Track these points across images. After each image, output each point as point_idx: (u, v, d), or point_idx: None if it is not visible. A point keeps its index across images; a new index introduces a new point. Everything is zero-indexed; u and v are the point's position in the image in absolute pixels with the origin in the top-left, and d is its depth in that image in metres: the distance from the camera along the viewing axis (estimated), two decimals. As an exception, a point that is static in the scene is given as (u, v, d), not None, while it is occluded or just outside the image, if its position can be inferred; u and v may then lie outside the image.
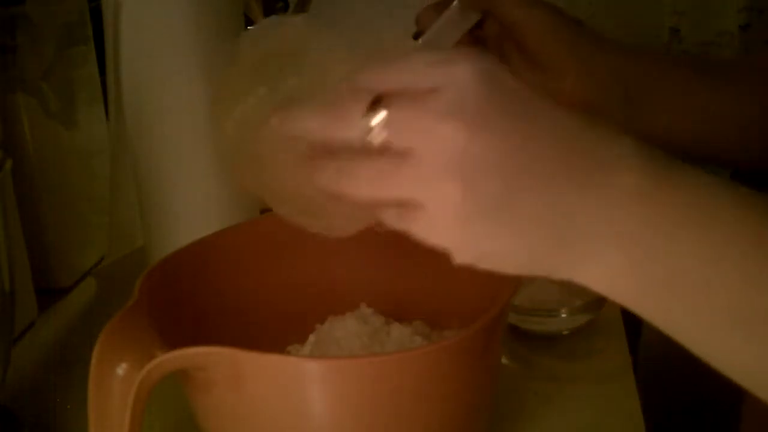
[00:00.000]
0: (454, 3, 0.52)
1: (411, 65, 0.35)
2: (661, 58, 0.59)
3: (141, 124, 0.66)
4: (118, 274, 0.76)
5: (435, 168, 0.34)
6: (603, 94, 0.55)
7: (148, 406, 0.38)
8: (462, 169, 0.33)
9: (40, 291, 0.70)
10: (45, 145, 0.71)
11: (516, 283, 0.44)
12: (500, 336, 0.45)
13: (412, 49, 0.47)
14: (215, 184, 0.66)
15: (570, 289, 0.64)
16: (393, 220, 0.37)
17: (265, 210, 0.62)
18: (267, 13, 1.26)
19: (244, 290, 0.53)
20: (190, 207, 0.66)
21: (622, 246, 0.35)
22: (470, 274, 0.52)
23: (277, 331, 0.53)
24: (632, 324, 0.67)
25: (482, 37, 0.58)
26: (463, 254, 0.37)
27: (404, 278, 0.55)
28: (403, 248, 0.55)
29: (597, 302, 0.63)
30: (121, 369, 0.38)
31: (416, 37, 0.61)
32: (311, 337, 0.53)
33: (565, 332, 0.63)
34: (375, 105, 0.34)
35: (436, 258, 0.54)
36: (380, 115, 0.34)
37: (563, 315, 0.62)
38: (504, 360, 0.59)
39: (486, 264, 0.37)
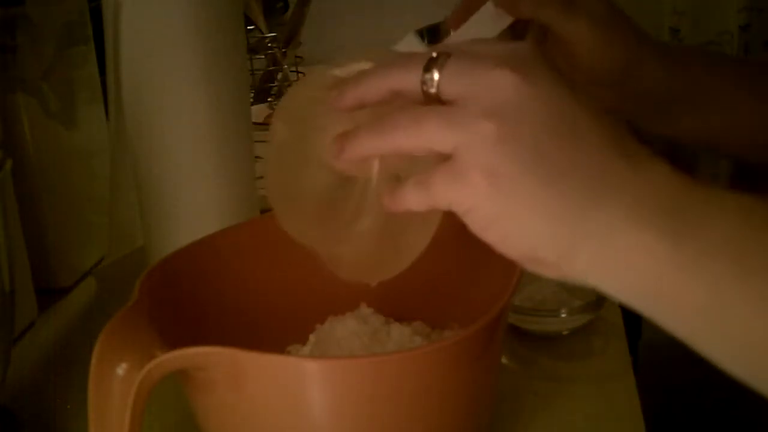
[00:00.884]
0: (486, 4, 0.51)
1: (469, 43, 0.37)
2: (709, 63, 0.58)
3: (141, 124, 0.66)
4: (118, 274, 0.76)
5: (477, 109, 0.34)
6: (642, 104, 0.56)
7: (148, 406, 0.38)
8: (503, 111, 0.34)
9: (40, 291, 0.70)
10: (45, 145, 0.71)
11: (516, 282, 0.44)
12: (500, 336, 0.45)
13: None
14: (215, 185, 0.66)
15: (570, 289, 0.65)
16: (420, 190, 0.37)
17: (265, 210, 0.62)
18: (267, 13, 1.26)
19: (244, 290, 0.53)
20: (190, 207, 0.66)
21: (653, 220, 0.34)
22: (470, 274, 0.53)
23: (277, 331, 0.53)
24: (632, 324, 0.67)
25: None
26: (487, 211, 0.35)
27: (404, 278, 0.55)
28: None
29: (597, 302, 0.63)
30: (121, 369, 0.38)
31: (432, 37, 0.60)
32: (311, 337, 0.53)
33: (565, 332, 0.63)
34: (433, 60, 0.36)
35: (436, 258, 0.54)
36: (437, 66, 0.35)
37: (563, 315, 0.62)
38: (504, 360, 0.59)
39: (507, 229, 0.36)
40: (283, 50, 1.27)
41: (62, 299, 0.73)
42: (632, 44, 0.54)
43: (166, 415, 0.52)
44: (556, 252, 0.35)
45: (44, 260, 0.72)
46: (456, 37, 0.51)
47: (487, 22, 0.51)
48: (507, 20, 0.51)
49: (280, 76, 1.27)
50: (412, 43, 0.50)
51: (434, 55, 0.36)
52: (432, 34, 1.37)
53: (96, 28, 0.73)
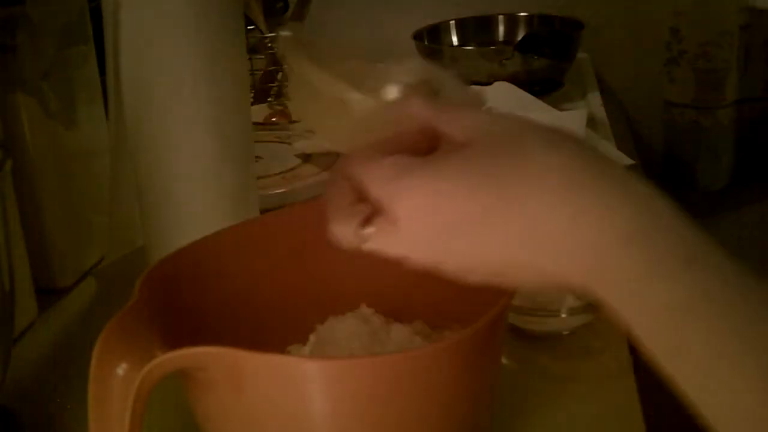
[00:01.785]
0: None
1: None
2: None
3: (141, 124, 0.66)
4: (118, 274, 0.76)
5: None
6: None
7: (148, 406, 0.38)
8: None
9: (40, 291, 0.70)
10: (45, 145, 0.71)
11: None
12: (500, 336, 0.45)
13: None
14: (215, 184, 0.66)
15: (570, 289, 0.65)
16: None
17: (265, 210, 0.62)
18: (267, 13, 1.26)
19: (244, 290, 0.53)
20: (190, 207, 0.66)
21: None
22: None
23: (277, 331, 0.53)
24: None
25: None
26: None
27: (404, 278, 0.55)
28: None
29: (597, 302, 0.63)
30: (121, 369, 0.38)
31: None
32: (311, 337, 0.53)
33: (565, 332, 0.63)
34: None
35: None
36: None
37: (563, 315, 0.62)
38: (504, 360, 0.59)
39: None
40: (283, 50, 1.27)
41: (62, 299, 0.73)
42: None
43: (166, 415, 0.52)
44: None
45: (44, 260, 0.72)
46: None
47: None
48: None
49: (280, 76, 1.27)
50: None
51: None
52: (432, 34, 1.37)
53: (96, 28, 0.73)
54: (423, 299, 0.54)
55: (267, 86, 1.27)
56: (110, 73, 0.68)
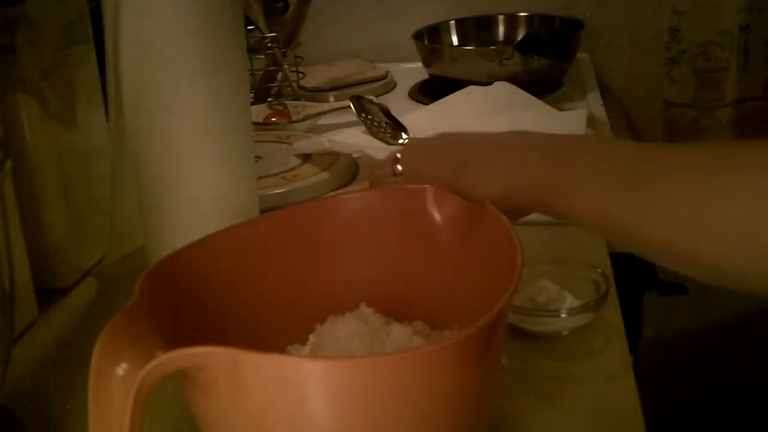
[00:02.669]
0: None
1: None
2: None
3: (141, 124, 0.66)
4: (118, 274, 0.76)
5: None
6: None
7: (148, 406, 0.38)
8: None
9: (40, 291, 0.70)
10: (45, 145, 0.71)
11: (516, 282, 0.44)
12: (500, 336, 0.45)
13: None
14: (215, 185, 0.66)
15: (570, 289, 0.65)
16: None
17: (265, 210, 0.62)
18: (267, 13, 1.26)
19: (243, 290, 0.53)
20: (190, 207, 0.66)
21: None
22: (470, 274, 0.53)
23: (277, 331, 0.53)
24: (632, 324, 0.67)
25: None
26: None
27: (404, 278, 0.55)
28: (403, 248, 0.56)
29: (597, 302, 0.63)
30: (121, 369, 0.38)
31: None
32: (311, 337, 0.53)
33: (565, 332, 0.63)
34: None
35: (436, 258, 0.54)
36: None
37: (563, 315, 0.62)
38: (504, 360, 0.59)
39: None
40: (283, 50, 1.27)
41: (62, 299, 0.73)
42: None
43: (166, 415, 0.53)
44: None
45: (44, 260, 0.72)
46: None
47: None
48: None
49: (280, 76, 1.27)
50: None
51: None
52: (432, 34, 1.38)
53: (96, 28, 0.73)
54: (423, 299, 0.54)
55: (267, 86, 1.27)
56: (110, 73, 0.68)
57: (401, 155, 0.63)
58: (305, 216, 0.55)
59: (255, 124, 0.90)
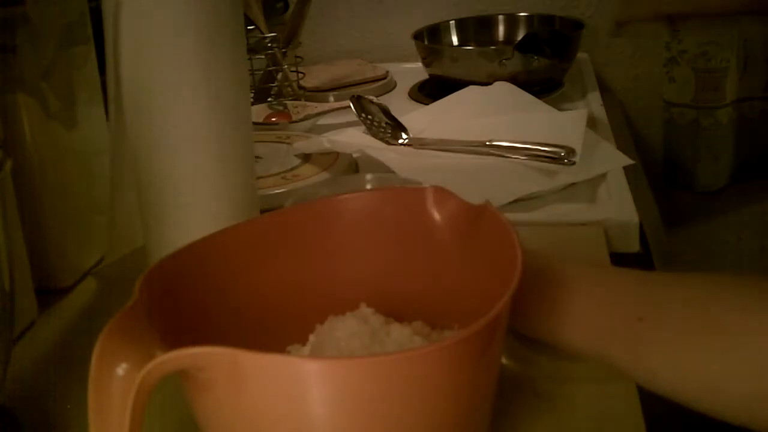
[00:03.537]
0: None
1: None
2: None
3: (141, 124, 0.66)
4: (118, 274, 0.76)
5: None
6: None
7: (148, 406, 0.38)
8: None
9: (40, 291, 0.70)
10: (45, 145, 0.71)
11: (516, 282, 0.44)
12: (500, 336, 0.45)
13: None
14: (215, 185, 0.66)
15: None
16: None
17: (265, 210, 0.62)
18: (267, 13, 1.26)
19: (244, 290, 0.53)
20: (190, 207, 0.66)
21: None
22: (470, 274, 0.53)
23: (277, 331, 0.53)
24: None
25: None
26: None
27: (404, 278, 0.56)
28: (403, 248, 0.56)
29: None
30: (121, 369, 0.38)
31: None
32: (311, 337, 0.53)
33: (565, 332, 0.63)
34: None
35: (436, 258, 0.54)
36: None
37: (563, 315, 0.62)
38: (504, 360, 0.59)
39: None
40: (283, 50, 1.27)
41: (62, 299, 0.73)
42: None
43: (166, 415, 0.53)
44: None
45: (44, 260, 0.72)
46: None
47: None
48: None
49: (280, 76, 1.27)
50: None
51: None
52: (432, 34, 1.38)
53: (96, 28, 0.73)
54: (423, 299, 0.54)
55: (267, 86, 1.27)
56: (110, 73, 0.68)
57: None
58: (305, 216, 0.55)
59: (255, 124, 0.90)
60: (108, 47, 0.67)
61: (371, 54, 1.44)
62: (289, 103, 1.20)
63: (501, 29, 1.38)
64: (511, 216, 0.51)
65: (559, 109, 1.08)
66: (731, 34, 1.32)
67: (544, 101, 1.10)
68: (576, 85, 1.25)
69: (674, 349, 0.49)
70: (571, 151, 0.90)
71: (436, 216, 0.54)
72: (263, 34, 1.25)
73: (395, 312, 0.54)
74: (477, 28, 1.38)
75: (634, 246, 0.80)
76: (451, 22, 1.37)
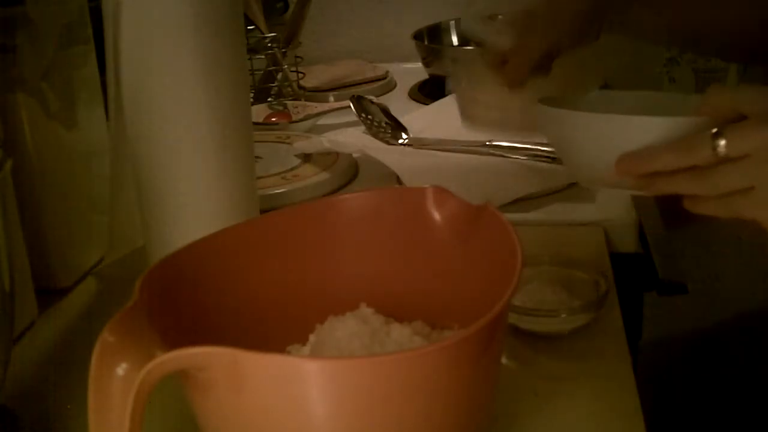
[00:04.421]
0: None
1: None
2: None
3: (141, 123, 0.66)
4: (118, 274, 0.76)
5: (764, 156, 0.50)
6: None
7: (148, 406, 0.38)
8: None
9: (40, 291, 0.70)
10: (45, 145, 0.71)
11: (516, 282, 0.44)
12: (500, 336, 0.45)
13: None
14: (215, 185, 0.66)
15: (570, 289, 0.65)
16: (723, 206, 0.53)
17: (265, 210, 0.62)
18: (267, 13, 1.26)
19: (244, 290, 0.53)
20: (190, 207, 0.67)
21: None
22: (470, 274, 0.53)
23: (277, 331, 0.53)
24: (632, 324, 0.67)
25: None
26: None
27: (404, 278, 0.56)
28: (403, 248, 0.56)
29: (597, 302, 0.63)
30: (121, 369, 0.38)
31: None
32: (311, 337, 0.53)
33: (565, 332, 0.63)
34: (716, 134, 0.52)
35: (436, 258, 0.54)
36: (722, 140, 0.51)
37: (563, 315, 0.62)
38: (504, 360, 0.59)
39: None
40: (283, 50, 1.27)
41: (62, 299, 0.73)
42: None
43: (166, 415, 0.53)
44: None
45: (44, 260, 0.72)
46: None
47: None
48: None
49: (280, 76, 1.27)
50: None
51: (714, 131, 0.51)
52: (432, 34, 1.37)
53: (96, 28, 0.73)
54: (423, 299, 0.54)
55: (267, 86, 1.27)
56: (110, 73, 0.68)
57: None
58: (305, 216, 0.55)
59: (255, 124, 0.90)
60: (108, 47, 0.67)
61: (371, 54, 1.44)
62: (289, 103, 1.20)
63: (501, 29, 1.38)
64: (511, 216, 0.51)
65: (559, 109, 1.08)
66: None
67: (545, 101, 1.09)
68: (576, 85, 1.25)
69: None
70: (571, 151, 0.90)
71: (436, 216, 0.54)
72: (263, 34, 1.25)
73: (395, 312, 0.54)
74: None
75: (634, 246, 0.80)
76: (451, 22, 1.37)
